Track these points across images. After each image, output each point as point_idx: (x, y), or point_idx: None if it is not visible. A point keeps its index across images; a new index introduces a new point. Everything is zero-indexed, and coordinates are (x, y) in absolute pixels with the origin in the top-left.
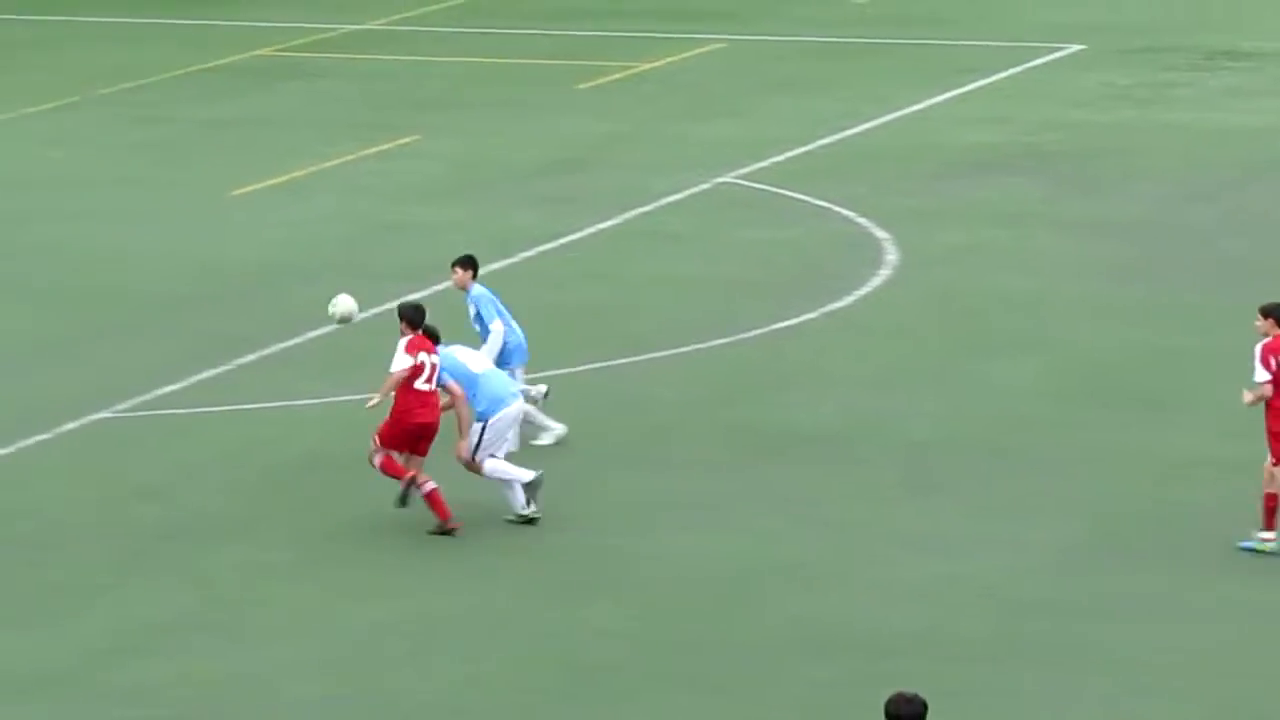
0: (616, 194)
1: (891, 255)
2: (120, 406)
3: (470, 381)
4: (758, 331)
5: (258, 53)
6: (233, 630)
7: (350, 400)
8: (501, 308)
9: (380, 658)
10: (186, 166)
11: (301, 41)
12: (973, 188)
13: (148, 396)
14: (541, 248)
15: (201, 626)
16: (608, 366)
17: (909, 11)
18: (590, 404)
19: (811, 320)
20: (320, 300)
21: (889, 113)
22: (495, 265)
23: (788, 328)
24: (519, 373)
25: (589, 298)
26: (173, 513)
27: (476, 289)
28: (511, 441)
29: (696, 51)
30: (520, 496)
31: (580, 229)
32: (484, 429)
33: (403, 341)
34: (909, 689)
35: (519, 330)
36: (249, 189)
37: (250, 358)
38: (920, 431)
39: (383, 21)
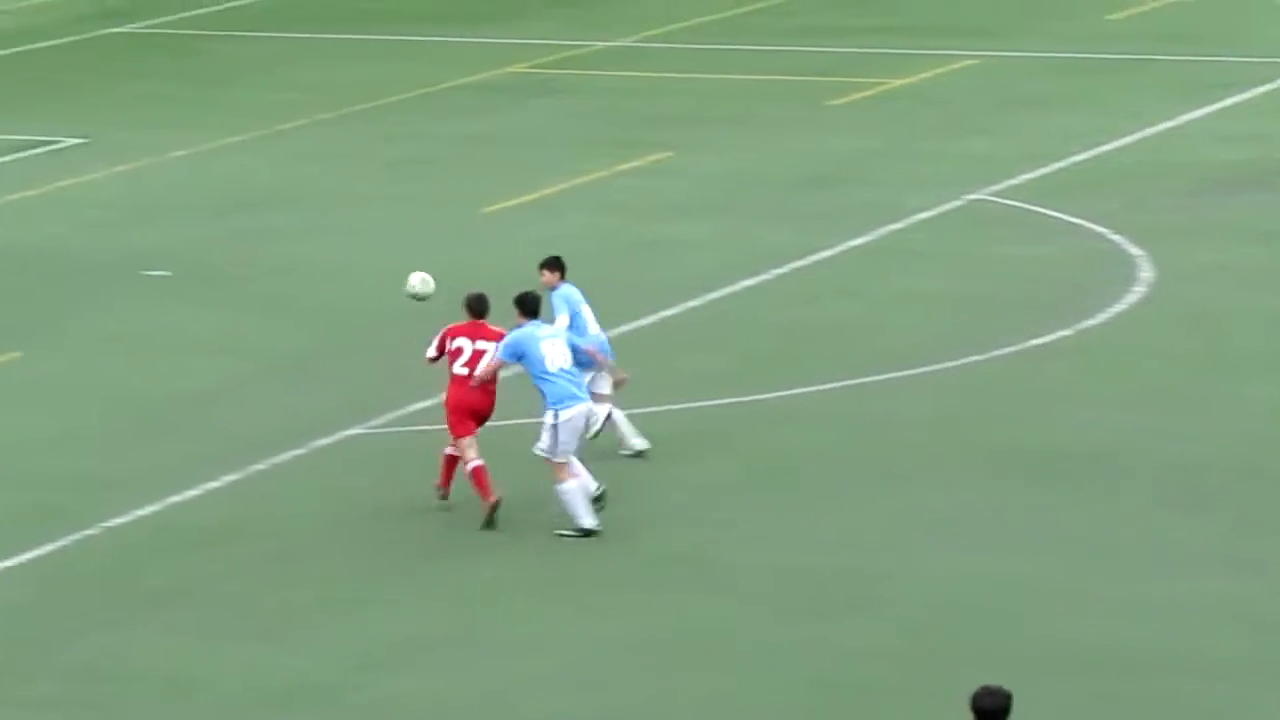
0: (868, 210)
1: (1146, 273)
2: (374, 422)
3: (541, 374)
4: (1011, 349)
5: (509, 69)
6: (481, 646)
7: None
8: (580, 310)
9: (627, 674)
10: (438, 183)
11: (552, 58)
12: (1227, 205)
13: (401, 412)
14: (793, 264)
15: (450, 642)
16: (859, 384)
17: (1164, 27)
18: (841, 421)
19: (1065, 338)
20: None
21: (1143, 129)
22: (747, 281)
23: (1041, 345)
24: (600, 378)
25: (841, 314)
26: (423, 528)
27: (561, 289)
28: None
29: (949, 68)
30: (587, 514)
31: (832, 246)
32: (557, 428)
33: (444, 329)
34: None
35: (601, 336)
36: (500, 206)
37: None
38: (1175, 451)
39: (633, 38)
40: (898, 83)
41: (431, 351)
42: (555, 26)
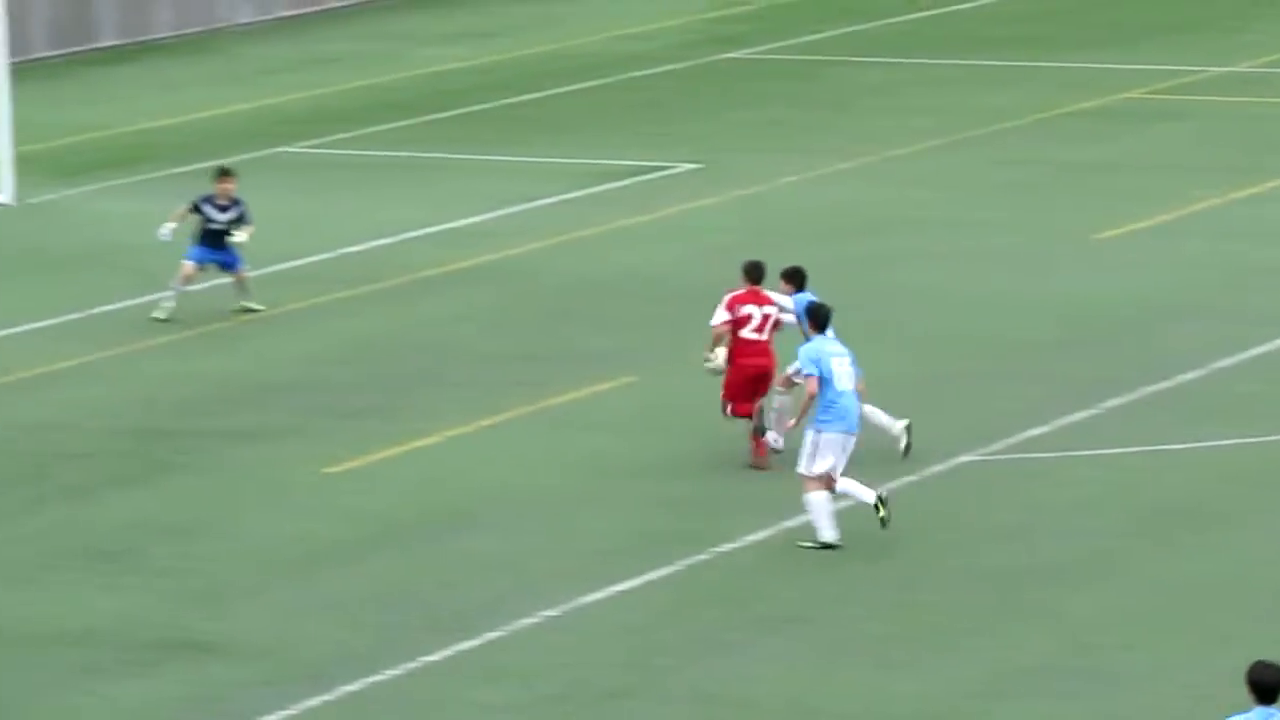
0: None
1: None
2: (987, 450)
3: (827, 391)
4: None
5: (1125, 95)
6: (1097, 675)
7: (1221, 446)
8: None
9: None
10: (1050, 209)
11: (1169, 84)
12: None
13: (1014, 440)
14: None
15: (1066, 671)
16: None
17: None
18: None
19: None
20: (1193, 343)
21: None
22: None
23: None
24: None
25: None
26: (1033, 556)
27: (799, 297)
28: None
29: None
30: (829, 528)
31: None
32: (814, 441)
33: (727, 297)
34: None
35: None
36: (1114, 232)
37: (1118, 401)
38: None
39: (1253, 64)
40: None
41: (722, 316)
42: (1170, 53)
